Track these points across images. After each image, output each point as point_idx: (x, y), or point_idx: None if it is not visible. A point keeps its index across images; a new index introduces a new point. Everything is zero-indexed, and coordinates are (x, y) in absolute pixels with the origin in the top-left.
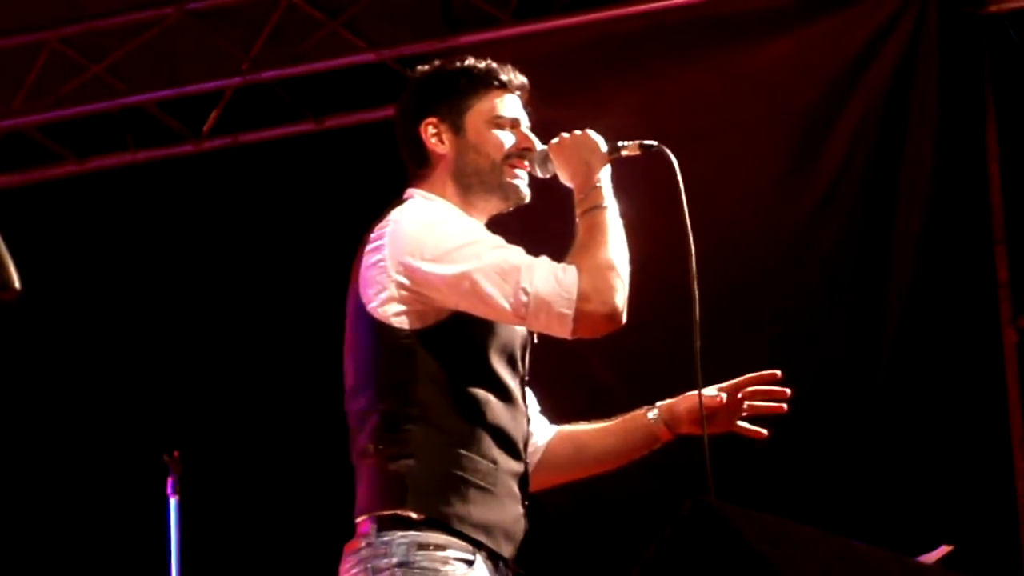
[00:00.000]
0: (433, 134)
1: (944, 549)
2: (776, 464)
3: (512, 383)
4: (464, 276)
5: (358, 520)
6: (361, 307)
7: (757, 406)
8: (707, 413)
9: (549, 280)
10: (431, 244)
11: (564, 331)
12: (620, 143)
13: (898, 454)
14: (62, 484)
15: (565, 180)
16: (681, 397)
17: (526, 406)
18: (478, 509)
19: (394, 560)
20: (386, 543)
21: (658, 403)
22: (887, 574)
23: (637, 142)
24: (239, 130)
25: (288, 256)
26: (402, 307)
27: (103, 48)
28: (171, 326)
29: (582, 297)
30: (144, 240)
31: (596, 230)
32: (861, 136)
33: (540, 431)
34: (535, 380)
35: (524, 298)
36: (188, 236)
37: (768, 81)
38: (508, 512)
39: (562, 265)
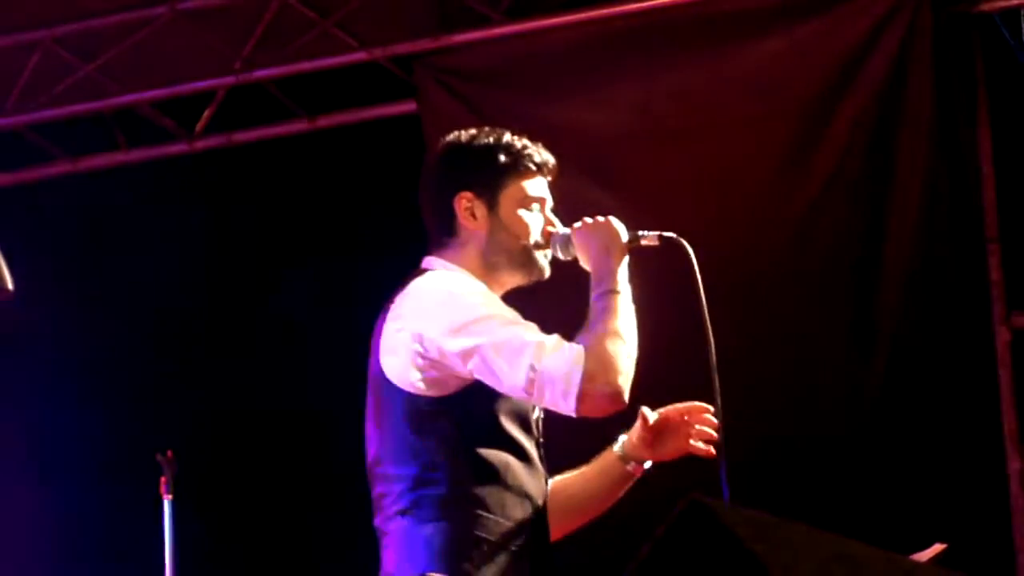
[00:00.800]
0: (467, 208)
1: (937, 547)
2: (769, 461)
3: (528, 445)
4: (476, 350)
5: None
6: (382, 375)
7: (701, 431)
8: (660, 433)
9: (557, 359)
10: (447, 317)
11: (568, 409)
12: (640, 232)
13: (891, 452)
14: (55, 483)
15: (584, 263)
16: (633, 428)
17: (544, 466)
18: (503, 570)
19: None
20: None
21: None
22: (880, 572)
23: (657, 233)
24: (232, 129)
25: (282, 255)
26: (422, 375)
27: (96, 48)
28: (165, 325)
29: (587, 378)
30: (137, 240)
31: (607, 313)
32: (855, 134)
33: None
34: None
35: (532, 375)
36: (181, 236)
37: (762, 79)
38: (533, 571)
39: (570, 344)
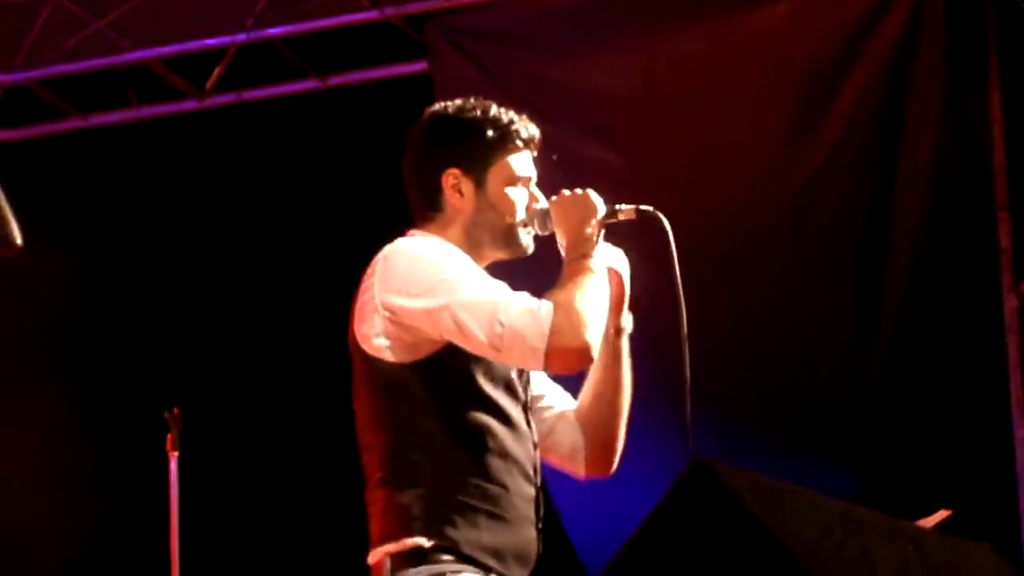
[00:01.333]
0: (454, 185)
1: (943, 513)
2: (778, 430)
3: (512, 408)
4: (443, 309)
5: (371, 560)
6: (357, 344)
7: None
8: None
9: (524, 315)
10: (415, 279)
11: (537, 365)
12: (618, 206)
13: (899, 419)
14: (62, 440)
15: (560, 235)
16: None
17: (531, 430)
18: (488, 534)
19: None
20: None
21: None
22: (885, 536)
23: (634, 207)
24: (243, 87)
25: (292, 215)
26: (394, 341)
27: (106, 4)
28: (173, 284)
29: (555, 332)
30: (147, 197)
31: (578, 274)
32: (864, 101)
33: (564, 400)
34: None
35: (499, 330)
36: (191, 193)
37: (768, 46)
38: (520, 536)
39: (539, 301)
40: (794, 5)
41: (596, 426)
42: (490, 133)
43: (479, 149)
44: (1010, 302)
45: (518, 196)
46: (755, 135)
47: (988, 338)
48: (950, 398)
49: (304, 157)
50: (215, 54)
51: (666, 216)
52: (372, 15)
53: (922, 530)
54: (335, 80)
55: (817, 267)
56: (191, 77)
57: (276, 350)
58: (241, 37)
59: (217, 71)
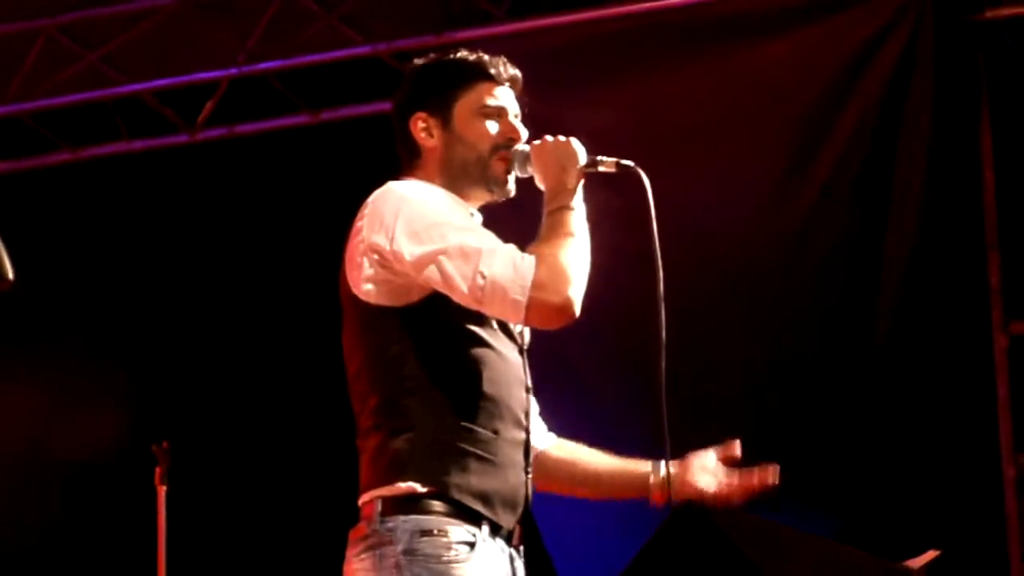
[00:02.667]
0: (423, 128)
1: (931, 554)
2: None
3: (508, 352)
4: (427, 256)
5: (361, 502)
6: (348, 291)
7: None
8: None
9: (507, 266)
10: (401, 224)
11: (517, 317)
12: (599, 158)
13: (888, 458)
14: (51, 473)
15: (539, 182)
16: (687, 465)
17: (526, 376)
18: (477, 478)
19: (399, 548)
20: (390, 529)
21: (670, 463)
22: None
23: (615, 160)
24: (234, 121)
25: (282, 248)
26: (384, 285)
27: (99, 37)
28: (164, 316)
29: (536, 286)
30: (138, 230)
31: (560, 226)
32: (857, 139)
33: (539, 435)
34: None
35: (481, 281)
36: (182, 227)
37: (765, 82)
38: (508, 480)
39: (522, 254)
40: (793, 42)
41: (549, 475)
42: (453, 71)
43: (442, 87)
44: (1000, 342)
45: (486, 125)
46: (752, 170)
47: (978, 378)
48: (940, 437)
49: (295, 191)
50: (207, 88)
51: (666, 251)
52: (364, 50)
53: (910, 570)
54: (326, 115)
55: (810, 304)
56: (182, 111)
57: (267, 383)
58: (233, 71)
59: (208, 105)
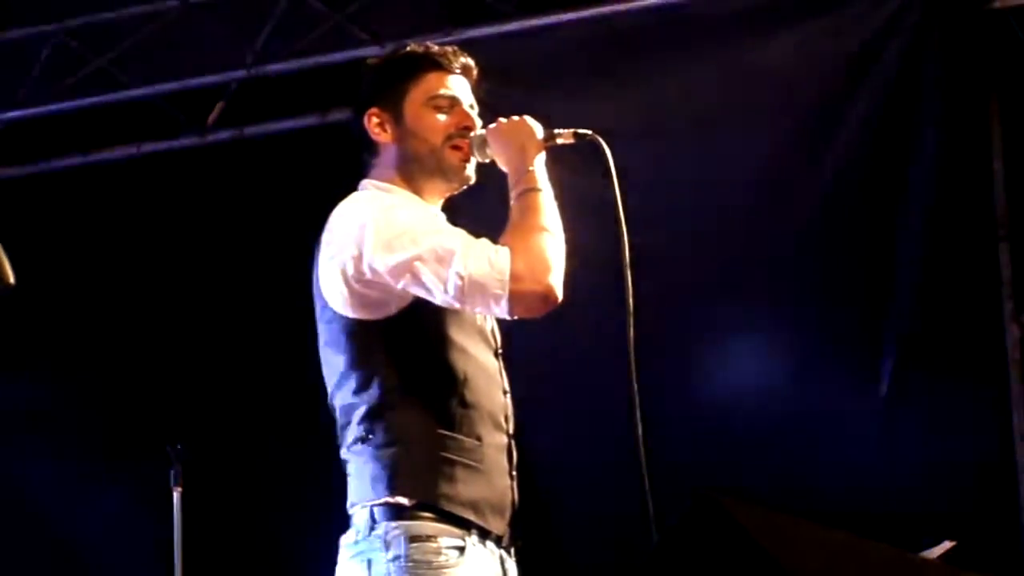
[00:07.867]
0: (376, 124)
1: (947, 545)
2: (777, 457)
3: (486, 358)
4: (402, 264)
5: (351, 510)
6: (325, 305)
7: None
8: None
9: (482, 263)
10: (372, 235)
11: (501, 312)
12: (556, 131)
13: (901, 450)
14: (68, 475)
15: (501, 164)
16: None
17: (503, 378)
18: (465, 487)
19: (389, 554)
20: (380, 536)
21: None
22: (890, 569)
23: (572, 131)
24: (244, 123)
25: (292, 250)
26: (362, 299)
27: (108, 41)
28: (175, 318)
29: (515, 278)
30: (148, 233)
31: (529, 211)
32: (865, 132)
33: None
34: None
35: (459, 282)
36: (192, 229)
37: (772, 76)
38: (495, 486)
39: (496, 247)
40: (800, 35)
41: None
42: (401, 63)
43: (391, 81)
44: (1012, 332)
45: (436, 117)
46: (760, 166)
47: (991, 368)
48: (954, 429)
49: (305, 193)
50: (216, 90)
51: (672, 248)
52: (372, 50)
53: (926, 561)
54: (335, 115)
55: (821, 297)
56: (192, 114)
57: (280, 385)
58: (242, 73)
59: (218, 107)
